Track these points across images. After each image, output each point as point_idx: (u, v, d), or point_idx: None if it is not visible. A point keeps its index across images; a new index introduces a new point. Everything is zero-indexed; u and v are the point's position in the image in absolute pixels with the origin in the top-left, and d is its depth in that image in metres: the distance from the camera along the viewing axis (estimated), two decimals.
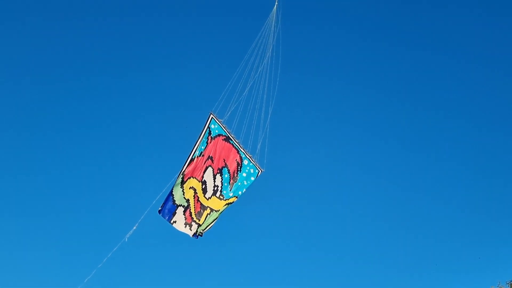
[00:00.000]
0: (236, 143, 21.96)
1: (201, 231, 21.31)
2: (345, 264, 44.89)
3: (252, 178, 21.94)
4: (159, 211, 20.62)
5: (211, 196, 21.39)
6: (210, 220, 21.43)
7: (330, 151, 50.28)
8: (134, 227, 19.93)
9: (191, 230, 21.13)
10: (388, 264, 44.80)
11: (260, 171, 22.09)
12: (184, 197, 20.96)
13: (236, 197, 21.79)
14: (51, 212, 44.86)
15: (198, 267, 43.05)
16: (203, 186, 21.29)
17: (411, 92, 53.61)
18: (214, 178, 21.50)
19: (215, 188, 21.47)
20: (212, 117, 21.67)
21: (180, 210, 20.95)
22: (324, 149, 50.27)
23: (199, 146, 21.30)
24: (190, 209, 21.07)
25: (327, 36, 52.66)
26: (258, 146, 22.11)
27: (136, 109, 50.99)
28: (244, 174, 21.87)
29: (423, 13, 54.18)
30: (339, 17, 53.85)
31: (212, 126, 21.62)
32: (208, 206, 21.33)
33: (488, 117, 53.04)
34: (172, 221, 20.86)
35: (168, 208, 20.73)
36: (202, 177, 21.31)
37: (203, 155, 21.37)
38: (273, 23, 24.55)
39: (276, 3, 25.07)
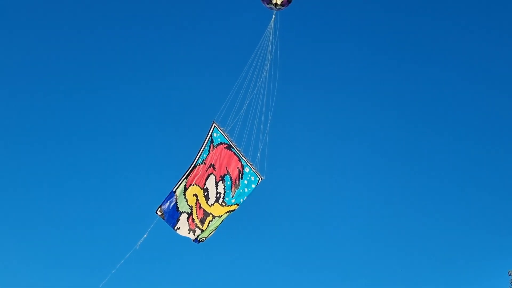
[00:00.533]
0: (238, 151, 22.51)
1: (204, 237, 21.79)
2: (344, 270, 45.66)
3: (253, 186, 22.50)
4: (159, 212, 21.02)
5: (213, 203, 21.88)
6: (213, 227, 21.89)
7: (328, 160, 51.55)
8: (145, 235, 20.43)
9: (194, 235, 21.60)
10: (390, 274, 45.87)
11: (261, 178, 22.67)
12: (187, 204, 21.41)
13: (238, 204, 22.31)
14: (64, 220, 45.11)
15: (202, 272, 43.69)
16: (205, 193, 21.77)
17: (411, 102, 55.18)
18: (217, 185, 22.00)
19: (218, 195, 21.97)
20: (214, 126, 22.21)
21: (183, 217, 21.39)
22: (322, 157, 51.49)
23: (201, 154, 21.81)
24: (192, 216, 21.52)
25: (326, 47, 54.10)
26: (258, 155, 22.71)
27: (143, 118, 50.98)
28: (246, 182, 22.42)
29: (423, 26, 56.05)
30: (338, 29, 55.19)
31: (215, 134, 22.15)
32: (210, 213, 21.81)
33: (488, 119, 54.75)
34: (176, 228, 21.28)
35: (172, 214, 21.17)
36: (204, 184, 21.78)
37: (204, 163, 21.86)
38: (271, 35, 25.29)
39: (274, 15, 25.87)
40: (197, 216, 21.53)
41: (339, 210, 49.58)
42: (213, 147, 22.05)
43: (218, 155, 22.09)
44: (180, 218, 21.26)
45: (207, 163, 21.88)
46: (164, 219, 21.09)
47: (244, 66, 24.05)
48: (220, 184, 22.02)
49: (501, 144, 52.78)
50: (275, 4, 25.56)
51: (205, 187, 21.73)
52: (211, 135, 22.06)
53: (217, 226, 21.99)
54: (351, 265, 45.73)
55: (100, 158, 48.70)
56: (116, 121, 50.51)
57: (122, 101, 51.00)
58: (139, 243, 20.39)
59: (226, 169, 22.20)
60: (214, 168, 21.97)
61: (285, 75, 24.97)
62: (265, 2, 26.00)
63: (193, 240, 21.63)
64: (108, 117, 50.04)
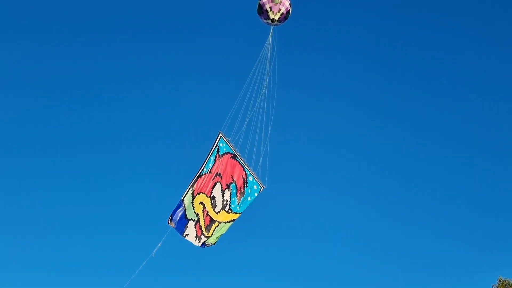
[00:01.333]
0: (242, 161, 23.55)
1: (211, 242, 22.72)
2: (346, 277, 47.52)
3: (256, 194, 23.55)
4: (169, 221, 21.94)
5: (220, 210, 22.85)
6: (218, 234, 22.83)
7: (326, 168, 54.75)
8: (159, 244, 21.38)
9: (199, 242, 22.51)
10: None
11: (262, 187, 23.78)
12: (194, 212, 22.33)
13: (240, 213, 23.33)
14: (85, 231, 48.57)
15: (211, 276, 45.59)
16: (212, 201, 22.73)
17: (409, 113, 58.21)
18: (223, 193, 22.98)
19: (224, 203, 22.95)
20: (220, 136, 23.22)
21: (191, 224, 22.29)
22: (321, 166, 54.65)
23: (206, 163, 22.76)
24: (200, 223, 22.43)
25: (322, 60, 57.68)
26: (260, 164, 23.80)
27: (156, 131, 55.20)
28: (249, 190, 23.48)
29: (421, 37, 59.24)
30: (333, 43, 58.25)
31: (221, 144, 23.14)
32: (216, 220, 22.75)
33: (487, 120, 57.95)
34: (184, 234, 22.18)
35: (181, 222, 22.06)
36: (211, 192, 22.74)
37: (210, 172, 22.82)
38: (269, 50, 26.50)
39: (271, 30, 27.09)
40: (204, 223, 22.45)
41: (337, 216, 52.74)
42: (219, 157, 23.02)
43: (224, 164, 23.09)
44: (188, 225, 22.17)
45: (213, 172, 22.84)
46: (174, 227, 22.00)
47: (246, 79, 25.27)
48: (226, 192, 23.01)
49: (490, 162, 56.95)
50: (273, 20, 26.84)
51: (211, 195, 22.68)
52: (217, 145, 23.05)
53: (222, 234, 22.92)
54: (348, 270, 48.46)
55: (111, 170, 52.95)
56: (132, 135, 55.16)
57: (138, 118, 55.55)
58: (154, 251, 21.36)
59: (232, 177, 23.22)
60: (220, 177, 22.94)
61: (283, 87, 26.40)
62: (262, 18, 27.22)
63: (200, 246, 22.53)
64: (125, 132, 54.63)
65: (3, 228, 47.32)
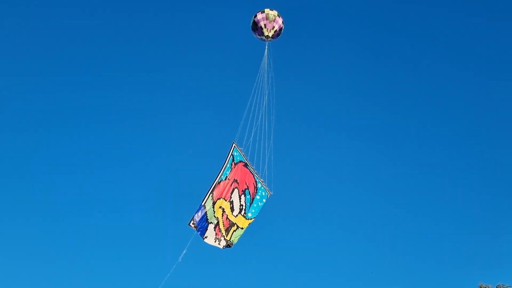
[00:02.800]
0: (252, 169, 25.67)
1: (230, 243, 24.62)
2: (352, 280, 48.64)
3: (264, 200, 25.78)
4: (190, 224, 23.58)
5: (237, 214, 24.80)
6: (235, 236, 24.77)
7: (326, 174, 56.03)
8: (184, 251, 22.94)
9: (219, 244, 24.33)
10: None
11: (269, 193, 26.05)
12: (214, 216, 24.10)
13: (254, 218, 25.44)
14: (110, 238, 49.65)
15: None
16: (231, 205, 24.64)
17: (411, 115, 60.03)
18: (240, 198, 24.96)
19: (241, 207, 24.95)
20: (234, 146, 25.17)
21: (211, 227, 24.04)
22: (321, 172, 55.69)
23: (224, 171, 24.64)
24: (219, 226, 24.25)
25: (316, 69, 59.30)
26: (265, 172, 26.06)
27: (175, 141, 57.44)
28: (258, 197, 25.66)
29: (415, 45, 62.04)
30: (326, 54, 60.34)
31: (235, 153, 25.10)
32: (235, 223, 24.70)
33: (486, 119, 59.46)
34: (204, 237, 23.89)
35: (202, 225, 23.75)
36: (230, 197, 24.66)
37: (228, 179, 24.72)
38: (266, 65, 28.69)
39: (266, 46, 29.23)
40: (223, 226, 24.31)
41: (338, 218, 53.24)
42: (234, 165, 24.99)
43: (239, 172, 25.08)
44: (208, 228, 23.90)
45: (231, 178, 24.77)
46: (196, 230, 23.64)
47: (251, 92, 27.32)
48: (242, 197, 25.03)
49: (475, 170, 57.59)
50: (267, 36, 29.02)
51: (230, 200, 24.60)
52: (232, 154, 24.98)
53: (238, 236, 24.90)
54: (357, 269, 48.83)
55: (135, 185, 54.15)
56: (158, 145, 56.40)
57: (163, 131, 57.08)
58: (181, 257, 22.91)
59: (246, 184, 25.27)
60: (237, 183, 24.91)
61: (282, 99, 28.66)
62: (257, 34, 29.30)
63: (222, 248, 24.36)
64: (153, 145, 56.19)
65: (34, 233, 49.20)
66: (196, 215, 23.67)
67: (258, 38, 29.53)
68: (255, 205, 25.52)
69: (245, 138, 25.64)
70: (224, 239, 24.38)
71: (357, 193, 55.83)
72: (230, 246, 24.59)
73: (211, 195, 24.08)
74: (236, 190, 24.88)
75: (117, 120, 58.10)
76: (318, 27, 58.76)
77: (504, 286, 29.09)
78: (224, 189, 24.53)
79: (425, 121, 59.95)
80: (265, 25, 28.97)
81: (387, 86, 61.13)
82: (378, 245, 51.21)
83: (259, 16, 29.00)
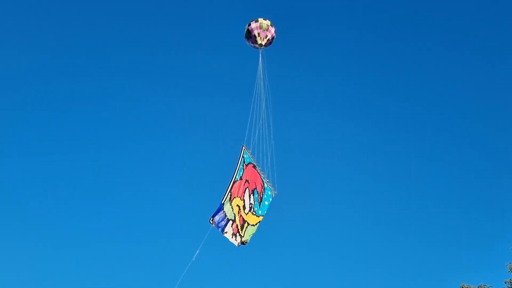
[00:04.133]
0: (259, 170, 27.53)
1: (245, 240, 26.30)
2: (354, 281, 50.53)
3: (270, 199, 27.73)
4: (211, 221, 25.14)
5: (248, 212, 26.54)
6: (248, 234, 26.45)
7: (326, 171, 59.09)
8: (197, 251, 24.42)
9: (236, 240, 25.97)
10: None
11: (274, 193, 28.01)
12: (232, 212, 25.74)
13: (263, 216, 27.28)
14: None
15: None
16: (244, 203, 26.35)
17: (405, 123, 63.36)
18: (250, 197, 26.71)
19: (250, 206, 26.70)
20: (244, 149, 26.92)
21: (229, 223, 25.64)
22: (321, 170, 58.96)
23: (238, 171, 26.33)
24: (236, 222, 25.89)
25: (308, 73, 62.51)
26: (269, 172, 28.02)
27: (190, 144, 61.27)
28: (265, 196, 27.55)
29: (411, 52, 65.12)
30: (318, 59, 62.31)
31: (245, 155, 26.85)
32: (247, 220, 26.42)
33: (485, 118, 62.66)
34: (224, 232, 25.46)
35: (222, 221, 25.35)
36: (243, 196, 26.37)
37: (241, 179, 26.44)
38: (261, 71, 30.58)
39: (260, 54, 31.09)
40: (239, 222, 25.99)
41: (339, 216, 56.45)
42: (245, 166, 26.73)
43: (249, 173, 26.84)
44: (227, 224, 25.53)
45: (243, 178, 26.50)
46: (215, 226, 25.17)
47: (252, 98, 29.16)
48: (252, 197, 26.81)
49: (457, 169, 61.20)
50: (260, 44, 30.89)
51: (243, 198, 26.33)
52: (243, 156, 26.72)
53: (251, 235, 26.66)
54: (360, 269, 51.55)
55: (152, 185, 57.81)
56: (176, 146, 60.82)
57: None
58: (195, 256, 24.35)
59: (255, 184, 27.08)
60: (248, 183, 26.67)
61: (279, 102, 30.85)
62: (250, 42, 31.09)
63: (237, 245, 26.01)
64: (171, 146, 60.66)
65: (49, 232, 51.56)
66: (217, 213, 25.22)
67: (251, 45, 31.27)
68: (263, 203, 27.41)
69: (252, 141, 27.56)
70: (240, 235, 26.07)
71: (357, 191, 59.51)
72: (244, 244, 26.31)
73: (229, 194, 25.71)
74: (247, 189, 26.64)
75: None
76: (310, 32, 61.64)
77: (486, 286, 29.82)
78: (239, 188, 26.21)
79: (420, 124, 64.08)
80: (258, 33, 30.75)
81: (380, 85, 64.96)
82: (365, 244, 54.05)
83: (253, 25, 30.75)
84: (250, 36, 30.83)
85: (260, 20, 30.83)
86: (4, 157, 57.21)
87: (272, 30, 31.04)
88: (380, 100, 64.72)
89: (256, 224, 26.90)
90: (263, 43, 30.94)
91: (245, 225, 26.44)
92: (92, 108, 62.60)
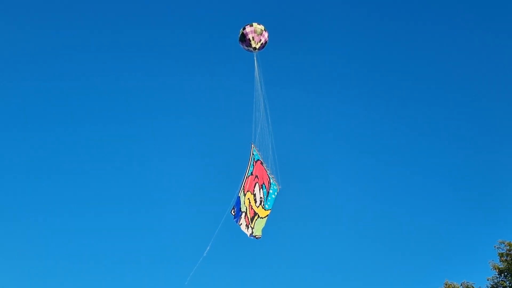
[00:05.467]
0: (265, 166, 29.22)
1: (257, 235, 27.84)
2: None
3: (276, 193, 29.49)
4: (232, 212, 26.75)
5: (258, 205, 28.19)
6: (258, 226, 28.06)
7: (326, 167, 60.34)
8: (208, 248, 25.95)
9: (247, 231, 27.57)
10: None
11: (278, 187, 29.77)
12: (245, 205, 27.38)
13: (270, 209, 28.97)
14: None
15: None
16: (255, 197, 27.99)
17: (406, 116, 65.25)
18: (259, 191, 28.38)
19: (260, 199, 28.36)
20: (253, 146, 28.57)
21: (243, 215, 27.27)
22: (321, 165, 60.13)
23: (249, 167, 27.96)
24: (247, 214, 27.50)
25: (305, 74, 65.12)
26: (270, 167, 29.79)
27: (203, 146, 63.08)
28: (271, 191, 29.28)
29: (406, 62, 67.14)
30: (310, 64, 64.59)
31: (254, 152, 28.50)
32: (257, 213, 28.06)
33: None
34: (239, 223, 27.07)
35: (238, 213, 26.96)
36: (254, 190, 28.02)
37: (252, 174, 28.10)
38: (257, 73, 32.28)
39: (255, 57, 32.78)
40: (250, 215, 27.62)
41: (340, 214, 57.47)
42: (255, 162, 28.40)
43: (259, 169, 28.53)
44: (241, 216, 27.16)
45: (254, 174, 28.17)
46: (234, 217, 26.79)
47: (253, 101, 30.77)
48: (261, 191, 28.49)
49: (435, 165, 63.09)
50: (254, 48, 32.57)
51: (254, 192, 27.98)
52: (252, 153, 28.36)
53: (262, 227, 28.30)
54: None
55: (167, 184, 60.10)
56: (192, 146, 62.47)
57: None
58: (206, 251, 25.86)
59: (263, 179, 28.76)
60: (258, 178, 28.34)
61: (275, 103, 32.53)
62: (244, 45, 32.66)
63: (249, 236, 27.58)
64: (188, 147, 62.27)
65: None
66: (236, 205, 26.89)
67: (244, 48, 32.80)
68: (270, 197, 29.16)
69: (257, 139, 29.23)
70: (250, 227, 27.73)
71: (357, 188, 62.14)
72: (257, 238, 27.93)
73: (242, 188, 27.34)
74: (257, 184, 28.34)
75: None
76: (301, 39, 63.58)
77: (469, 284, 30.37)
78: (251, 183, 27.88)
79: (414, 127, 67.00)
80: (253, 37, 32.33)
81: (374, 85, 68.22)
82: (354, 241, 56.23)
83: (248, 29, 32.32)
84: (244, 39, 32.30)
85: (255, 24, 32.40)
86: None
87: (266, 35, 32.69)
88: (373, 92, 68.71)
89: (264, 217, 28.59)
90: (257, 46, 32.53)
91: (255, 217, 28.10)
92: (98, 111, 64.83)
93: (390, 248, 55.65)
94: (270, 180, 29.49)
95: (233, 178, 28.15)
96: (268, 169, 29.48)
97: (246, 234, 27.71)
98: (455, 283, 30.61)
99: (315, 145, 64.22)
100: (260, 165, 29.04)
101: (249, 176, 27.93)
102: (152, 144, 65.05)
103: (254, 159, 28.50)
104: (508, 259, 30.08)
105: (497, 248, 30.63)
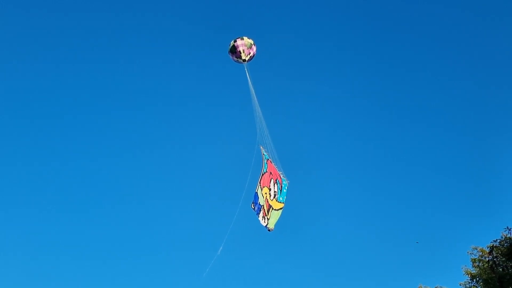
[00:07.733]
0: (274, 164, 32.22)
1: (270, 228, 30.62)
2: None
3: (287, 187, 32.49)
4: (252, 206, 29.56)
5: (273, 199, 31.10)
6: (273, 217, 30.89)
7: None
8: (221, 248, 28.48)
9: (264, 222, 30.37)
10: None
11: (287, 182, 32.78)
12: (263, 199, 30.26)
13: (283, 203, 31.89)
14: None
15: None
16: (270, 191, 30.90)
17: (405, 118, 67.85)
18: (274, 186, 31.30)
19: (275, 193, 31.28)
20: (262, 148, 31.56)
21: (261, 208, 30.13)
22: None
23: (264, 166, 30.91)
24: (264, 208, 30.36)
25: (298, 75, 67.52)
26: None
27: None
28: (282, 185, 32.28)
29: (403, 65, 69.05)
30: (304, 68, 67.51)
31: (264, 153, 31.47)
32: (272, 206, 30.95)
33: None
34: (259, 216, 29.89)
35: (258, 207, 29.84)
36: (269, 185, 30.93)
37: (267, 171, 31.02)
38: (250, 83, 35.29)
39: (246, 68, 35.75)
40: (266, 207, 30.49)
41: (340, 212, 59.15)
42: (267, 161, 31.35)
43: (271, 166, 31.47)
44: (260, 209, 30.03)
45: (268, 171, 31.10)
46: (254, 210, 29.60)
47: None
48: (275, 186, 31.43)
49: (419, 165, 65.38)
50: (244, 60, 35.59)
51: (270, 187, 30.90)
52: (263, 153, 31.33)
53: (277, 220, 31.17)
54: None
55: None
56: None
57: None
58: (220, 250, 28.27)
59: (276, 175, 31.74)
60: (272, 175, 31.29)
61: (271, 107, 35.58)
62: (234, 56, 35.55)
63: (265, 226, 30.39)
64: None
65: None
66: (255, 200, 29.72)
67: (234, 60, 35.68)
68: (282, 191, 32.16)
69: (264, 142, 32.26)
70: (267, 218, 30.61)
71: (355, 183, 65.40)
72: (270, 231, 30.72)
73: (259, 184, 30.22)
74: (271, 180, 31.29)
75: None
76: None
77: None
78: (266, 179, 30.81)
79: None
80: (243, 50, 35.34)
81: (373, 83, 72.70)
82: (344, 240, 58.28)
83: (239, 42, 35.29)
84: (235, 51, 35.21)
85: (245, 38, 35.46)
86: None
87: (254, 48, 35.65)
88: (371, 89, 73.50)
89: (279, 209, 31.54)
90: (247, 59, 35.58)
91: (271, 209, 31.00)
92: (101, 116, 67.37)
93: (365, 252, 57.90)
94: (280, 177, 32.51)
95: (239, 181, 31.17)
96: (277, 166, 32.52)
97: (262, 225, 30.52)
98: (428, 287, 32.21)
99: (314, 144, 69.12)
100: (271, 163, 32.02)
101: (264, 173, 30.83)
102: (169, 148, 70.49)
103: (265, 158, 31.45)
104: (480, 265, 31.84)
105: (470, 254, 32.65)
